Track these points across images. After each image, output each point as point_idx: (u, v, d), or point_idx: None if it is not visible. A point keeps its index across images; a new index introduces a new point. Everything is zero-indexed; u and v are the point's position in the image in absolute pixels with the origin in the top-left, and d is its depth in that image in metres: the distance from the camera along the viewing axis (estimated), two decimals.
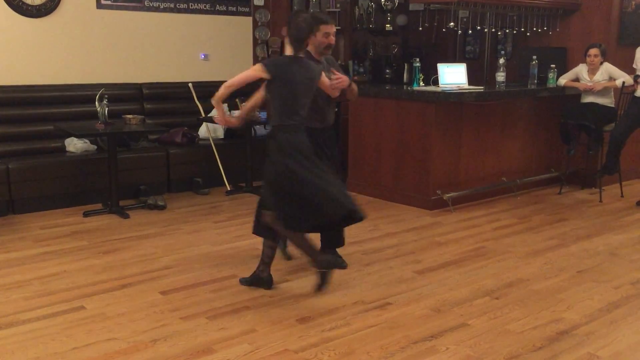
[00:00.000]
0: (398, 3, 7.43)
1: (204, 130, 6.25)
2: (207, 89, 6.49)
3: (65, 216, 5.15)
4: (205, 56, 6.68)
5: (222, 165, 6.04)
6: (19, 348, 2.91)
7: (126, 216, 5.13)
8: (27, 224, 4.91)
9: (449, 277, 3.89)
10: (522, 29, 6.37)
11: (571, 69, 6.14)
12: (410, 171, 5.52)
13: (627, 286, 3.77)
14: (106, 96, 5.18)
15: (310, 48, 3.61)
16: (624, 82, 5.75)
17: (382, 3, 7.42)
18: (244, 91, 7.02)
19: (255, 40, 7.03)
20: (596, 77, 5.86)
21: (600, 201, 5.85)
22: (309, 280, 3.79)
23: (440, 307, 3.42)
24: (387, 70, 7.38)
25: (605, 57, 5.86)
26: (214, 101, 3.58)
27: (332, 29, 3.68)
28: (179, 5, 6.41)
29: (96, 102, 5.16)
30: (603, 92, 5.87)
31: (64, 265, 4.01)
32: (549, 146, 6.39)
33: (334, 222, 3.49)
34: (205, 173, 6.06)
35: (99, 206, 5.34)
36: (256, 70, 3.44)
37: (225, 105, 6.25)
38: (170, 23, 6.39)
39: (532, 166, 6.31)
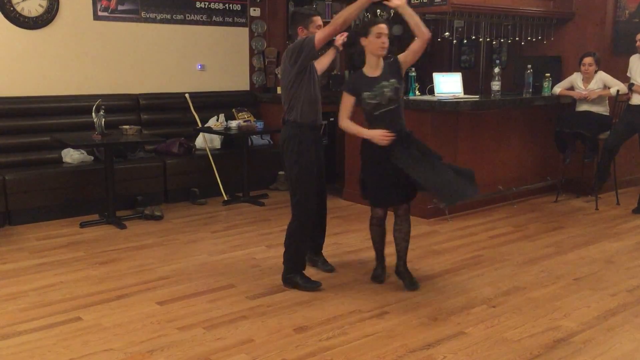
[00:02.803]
0: (394, 13, 7.47)
1: (200, 141, 6.25)
2: (203, 100, 6.55)
3: (62, 227, 5.14)
4: (202, 67, 6.70)
5: (219, 175, 6.05)
6: None
7: (123, 227, 5.13)
8: (24, 235, 4.91)
9: (445, 285, 3.89)
10: (517, 38, 6.41)
11: (566, 77, 6.17)
12: None
13: (624, 293, 3.78)
14: (103, 107, 5.19)
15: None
16: (618, 91, 5.79)
17: (378, 13, 7.46)
18: (239, 101, 7.06)
19: (251, 50, 7.06)
20: (591, 86, 5.90)
21: (597, 209, 5.87)
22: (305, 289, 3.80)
23: (437, 316, 3.42)
24: None
25: (600, 65, 5.90)
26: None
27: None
28: (175, 17, 6.44)
29: (93, 113, 5.17)
30: (598, 100, 5.90)
31: (60, 276, 4.00)
32: (544, 154, 6.41)
33: None
34: (202, 183, 6.06)
35: (95, 217, 5.34)
36: None
37: (222, 115, 6.29)
38: (167, 34, 6.41)
39: (528, 174, 6.32)
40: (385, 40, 3.61)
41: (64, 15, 5.78)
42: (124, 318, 3.36)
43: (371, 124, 3.69)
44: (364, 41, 3.66)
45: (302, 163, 3.70)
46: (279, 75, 7.02)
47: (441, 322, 3.34)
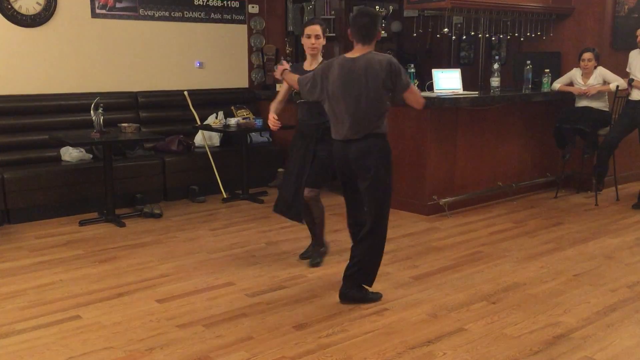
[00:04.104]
0: (392, 9, 7.47)
1: (199, 138, 6.25)
2: (202, 97, 6.54)
3: (61, 225, 5.14)
4: (201, 64, 6.69)
5: (218, 173, 6.04)
6: (14, 358, 2.90)
7: (122, 225, 5.12)
8: (23, 234, 4.90)
9: (445, 282, 3.89)
10: (516, 34, 6.40)
11: (565, 73, 6.16)
12: (406, 177, 5.53)
13: (624, 289, 3.78)
14: (101, 105, 5.18)
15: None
16: (617, 86, 5.78)
17: (377, 9, 7.44)
18: (238, 99, 7.04)
19: (250, 47, 7.05)
20: (590, 81, 5.89)
21: (596, 205, 5.87)
22: (305, 286, 3.79)
23: (437, 312, 3.42)
24: None
25: (599, 61, 5.89)
26: None
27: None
28: (173, 14, 6.42)
29: (91, 111, 5.16)
30: (597, 96, 5.90)
31: (59, 275, 3.99)
32: (544, 150, 6.40)
33: None
34: (202, 181, 6.06)
35: (94, 215, 5.33)
36: None
37: (221, 113, 6.29)
38: (165, 31, 6.40)
39: (528, 170, 6.32)
40: (314, 41, 3.85)
41: (62, 13, 5.76)
42: (123, 316, 3.36)
43: (298, 109, 4.02)
44: (302, 40, 3.92)
45: (391, 174, 3.53)
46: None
47: (441, 319, 3.34)
